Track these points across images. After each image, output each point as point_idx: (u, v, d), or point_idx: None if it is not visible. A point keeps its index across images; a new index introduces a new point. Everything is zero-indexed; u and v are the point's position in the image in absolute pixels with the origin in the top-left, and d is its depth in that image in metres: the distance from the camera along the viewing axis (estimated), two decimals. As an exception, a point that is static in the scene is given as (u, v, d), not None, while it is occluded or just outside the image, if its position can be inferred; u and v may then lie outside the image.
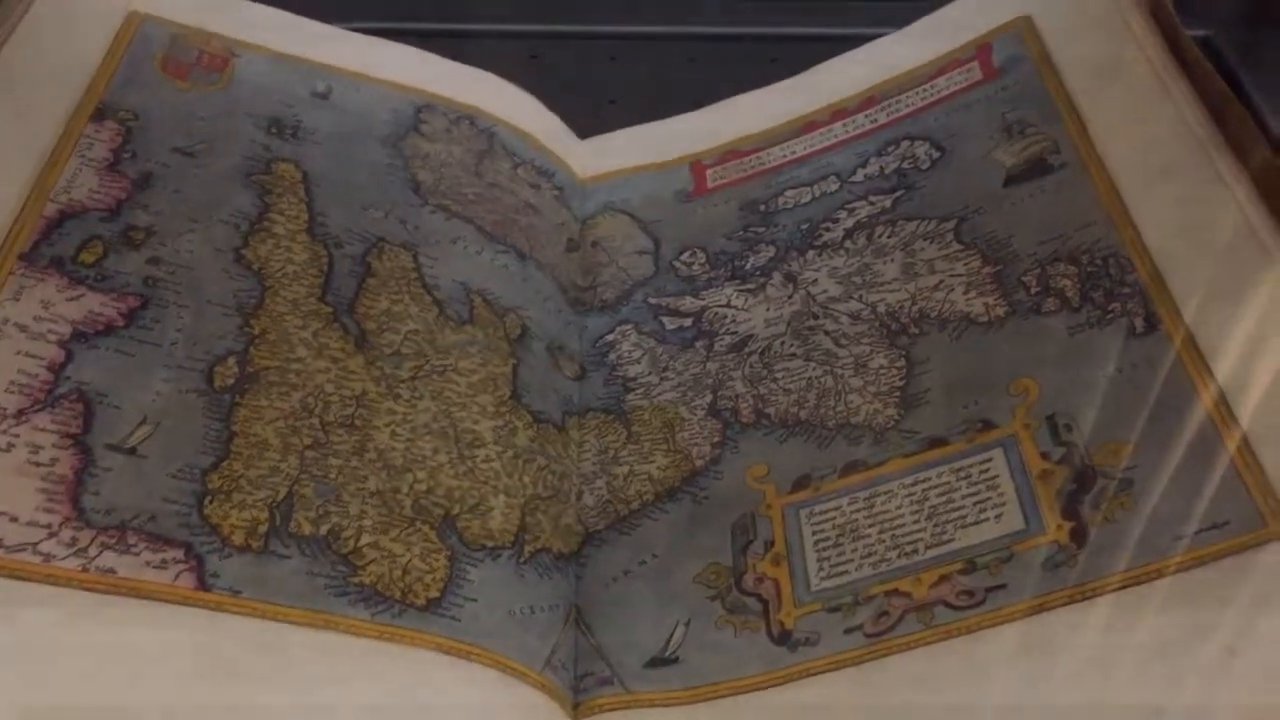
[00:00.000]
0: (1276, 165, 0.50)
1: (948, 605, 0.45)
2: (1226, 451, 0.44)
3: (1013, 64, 0.62)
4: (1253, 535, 0.42)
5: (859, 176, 0.62)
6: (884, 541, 0.48)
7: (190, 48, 0.62)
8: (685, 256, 0.63)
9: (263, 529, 0.46)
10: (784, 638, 0.47)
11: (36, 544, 0.43)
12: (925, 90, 0.63)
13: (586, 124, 0.71)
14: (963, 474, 0.48)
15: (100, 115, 0.56)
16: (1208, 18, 0.70)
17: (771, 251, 0.61)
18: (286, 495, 0.47)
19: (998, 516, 0.46)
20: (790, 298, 0.58)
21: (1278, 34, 0.73)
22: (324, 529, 0.47)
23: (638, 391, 0.57)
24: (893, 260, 0.57)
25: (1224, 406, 0.45)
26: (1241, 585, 0.41)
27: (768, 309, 0.58)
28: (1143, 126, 0.55)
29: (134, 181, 0.55)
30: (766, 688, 0.45)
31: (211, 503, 0.46)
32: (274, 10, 0.66)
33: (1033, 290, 0.52)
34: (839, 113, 0.66)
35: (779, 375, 0.55)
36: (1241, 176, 0.51)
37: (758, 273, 0.60)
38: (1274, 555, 0.41)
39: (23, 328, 0.48)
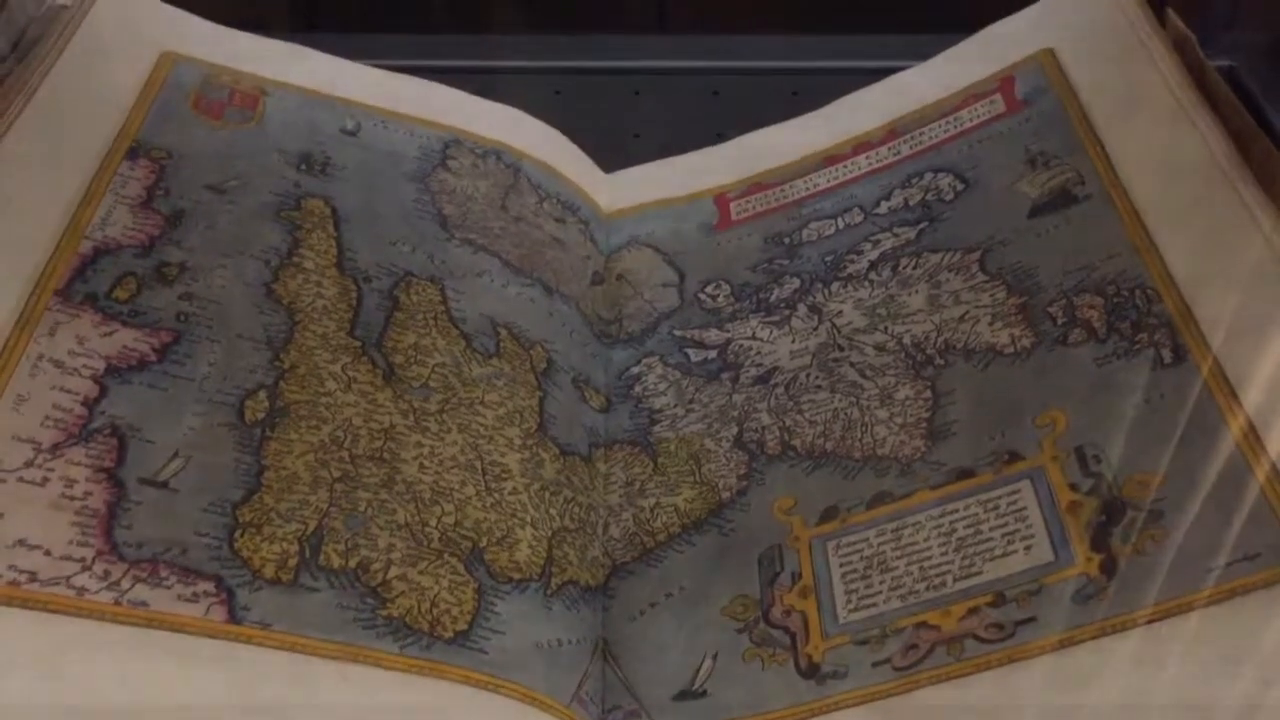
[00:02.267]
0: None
1: (977, 638, 0.44)
2: (1257, 482, 0.44)
3: (1036, 96, 0.62)
4: (1284, 568, 0.42)
5: (883, 209, 0.62)
6: (912, 574, 0.47)
7: (222, 87, 0.63)
8: (710, 289, 0.63)
9: (293, 562, 0.46)
10: (812, 671, 0.46)
11: (70, 578, 0.43)
12: (948, 123, 0.64)
13: (610, 158, 0.72)
14: (990, 505, 0.48)
15: (134, 154, 0.57)
16: (1231, 49, 0.70)
17: (796, 283, 0.61)
18: (316, 528, 0.48)
19: (1027, 548, 0.46)
20: (815, 329, 0.58)
21: (1301, 64, 0.73)
22: (353, 561, 0.47)
23: (663, 424, 0.58)
24: (918, 292, 0.57)
25: (1253, 436, 0.45)
26: (1274, 617, 0.41)
27: (793, 341, 0.59)
28: (1167, 158, 0.55)
29: (167, 218, 0.55)
30: (795, 721, 0.45)
31: (242, 536, 0.46)
32: (304, 49, 0.67)
33: (1059, 321, 0.52)
34: (862, 145, 0.66)
35: (805, 407, 0.55)
36: (1267, 207, 0.51)
37: (783, 305, 0.60)
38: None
39: (58, 363, 0.49)
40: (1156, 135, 0.57)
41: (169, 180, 0.57)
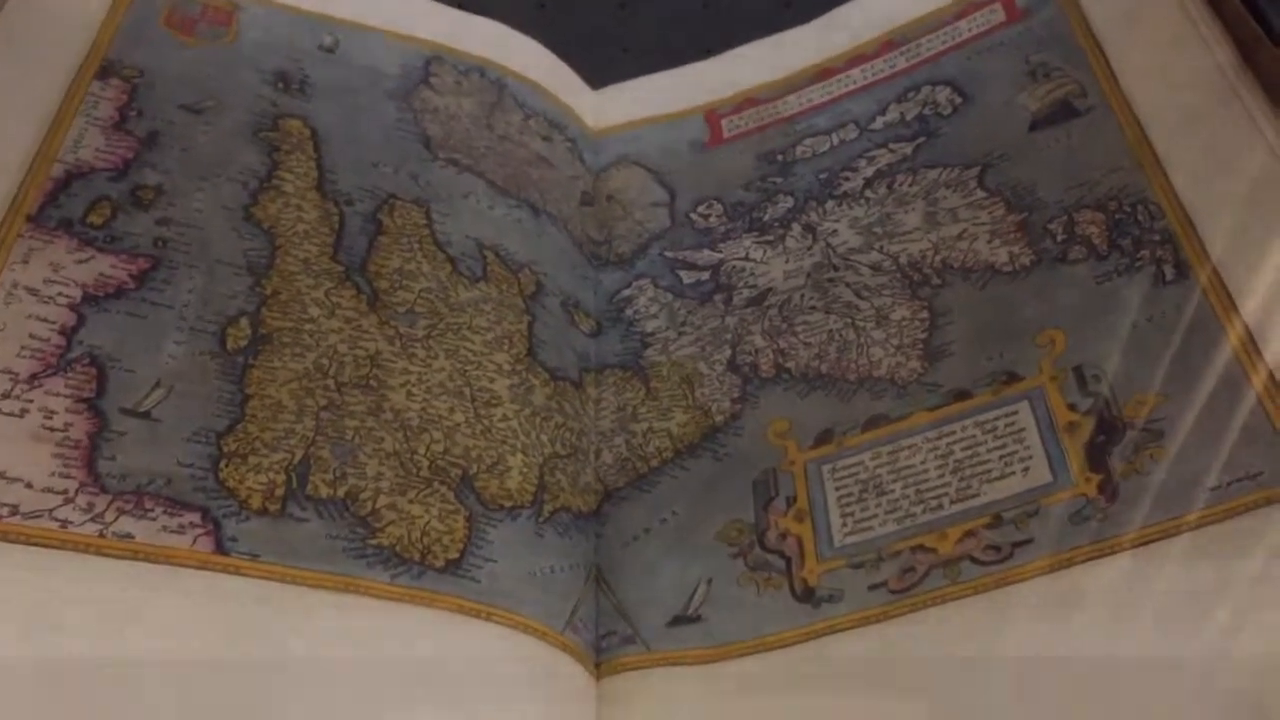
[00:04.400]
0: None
1: (974, 560, 0.44)
2: (1258, 400, 0.43)
3: (1037, 5, 0.60)
4: (1285, 487, 0.41)
5: (879, 124, 0.61)
6: (908, 497, 0.47)
7: (194, 2, 0.60)
8: (702, 208, 0.62)
9: (280, 491, 0.46)
10: (807, 595, 0.46)
11: (53, 510, 0.43)
12: (946, 33, 0.62)
13: (598, 74, 0.70)
14: (988, 427, 0.47)
15: (105, 73, 0.55)
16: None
17: (790, 202, 0.60)
18: (303, 457, 0.47)
19: (1024, 470, 0.45)
20: (810, 249, 0.57)
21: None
22: (341, 491, 0.46)
23: (655, 347, 0.57)
24: (914, 209, 0.56)
25: (1254, 352, 0.44)
26: (1272, 534, 0.41)
27: (787, 261, 0.57)
28: (1172, 68, 0.54)
29: (141, 140, 0.54)
30: (790, 645, 0.45)
31: (227, 466, 0.46)
32: (278, -38, 0.65)
33: (1059, 238, 0.51)
34: (857, 58, 0.64)
35: (799, 329, 0.55)
36: (1272, 117, 0.50)
37: (776, 224, 0.59)
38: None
39: (33, 291, 0.47)
40: (1160, 45, 0.55)
41: (141, 100, 0.55)
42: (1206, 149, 0.51)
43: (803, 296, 0.56)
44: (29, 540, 0.42)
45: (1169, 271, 0.48)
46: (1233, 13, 0.54)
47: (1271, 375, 0.43)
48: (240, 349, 0.49)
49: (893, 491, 0.47)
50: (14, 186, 0.50)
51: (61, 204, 0.50)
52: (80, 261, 0.49)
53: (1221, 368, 0.44)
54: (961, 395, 0.49)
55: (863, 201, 0.58)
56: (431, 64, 0.64)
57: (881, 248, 0.55)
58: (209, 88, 0.57)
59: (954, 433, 0.48)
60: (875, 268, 0.55)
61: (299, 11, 0.63)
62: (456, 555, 0.46)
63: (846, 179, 0.59)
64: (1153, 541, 0.42)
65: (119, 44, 0.57)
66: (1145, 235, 0.49)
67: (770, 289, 0.57)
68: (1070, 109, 0.55)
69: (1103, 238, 0.50)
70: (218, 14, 0.60)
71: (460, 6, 0.68)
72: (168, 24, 0.59)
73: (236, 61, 0.59)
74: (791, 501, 0.49)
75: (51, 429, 0.44)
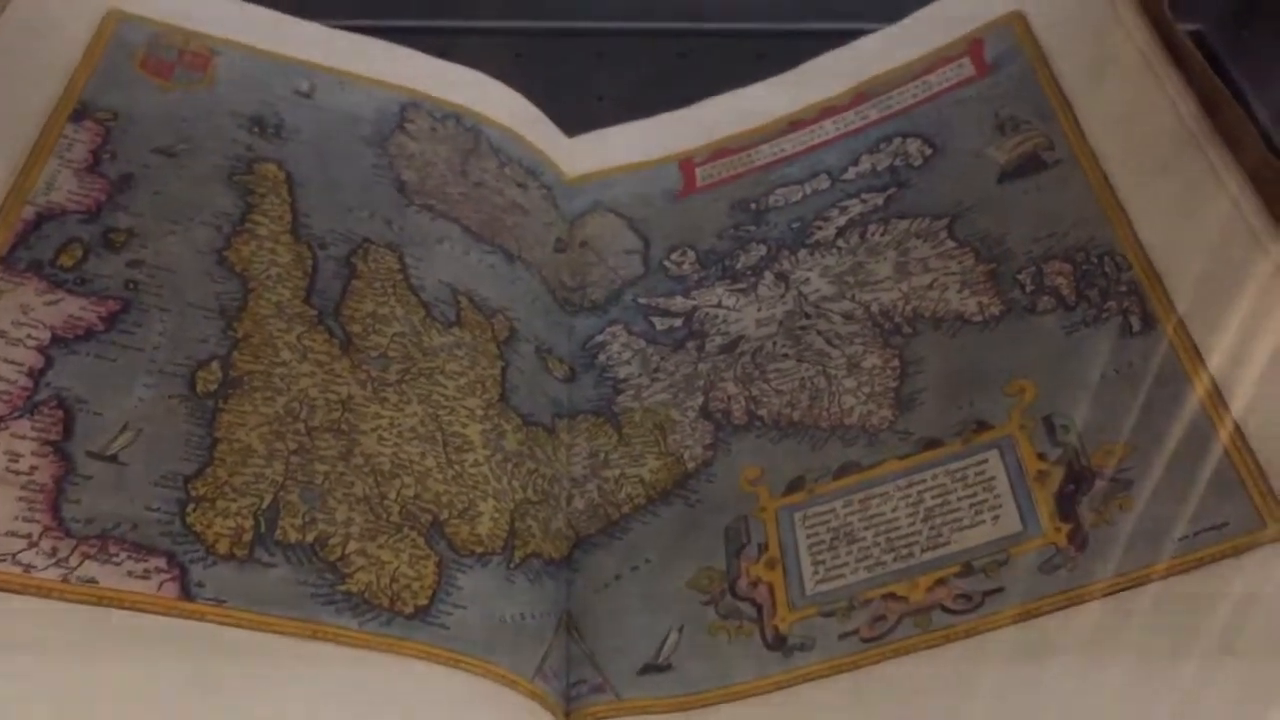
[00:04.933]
0: (1267, 157, 0.49)
1: (945, 609, 0.44)
2: (1223, 451, 0.44)
3: (1005, 60, 0.61)
4: (1249, 536, 0.41)
5: (850, 174, 0.61)
6: (879, 544, 0.47)
7: (170, 46, 0.60)
8: (675, 255, 0.62)
9: (248, 537, 0.45)
10: (778, 643, 0.46)
11: (16, 554, 0.42)
12: (917, 86, 0.63)
13: (573, 122, 0.70)
14: (958, 476, 0.48)
15: (79, 115, 0.55)
16: (1197, 12, 0.70)
17: (763, 250, 0.60)
18: (272, 502, 0.46)
19: (994, 518, 0.46)
20: (782, 297, 0.58)
21: (1267, 28, 0.72)
22: (310, 536, 0.46)
23: (628, 393, 0.57)
24: (886, 259, 0.56)
25: (1220, 405, 0.45)
26: (1238, 586, 0.41)
27: (759, 309, 0.58)
28: (1136, 122, 0.55)
29: (114, 183, 0.54)
30: (762, 694, 0.45)
31: (195, 510, 0.45)
32: (255, 7, 0.65)
33: (1028, 289, 0.52)
34: (829, 109, 0.65)
35: (771, 376, 0.55)
36: (1234, 169, 0.51)
37: (749, 272, 0.60)
38: (1271, 555, 0.41)
39: (1, 333, 0.47)
40: (1126, 99, 0.56)
41: (116, 143, 0.55)
42: (1171, 201, 0.52)
43: (775, 344, 0.56)
44: (-9, 585, 0.41)
45: (1135, 323, 0.48)
46: (1196, 68, 0.55)
47: (1237, 426, 0.44)
48: (210, 392, 0.49)
49: (864, 539, 0.47)
50: (-15, 227, 0.50)
51: (32, 245, 0.50)
52: (50, 303, 0.49)
53: (1188, 419, 0.45)
54: (932, 444, 0.49)
55: (835, 250, 0.58)
56: (407, 110, 0.64)
57: (853, 296, 0.56)
58: (184, 131, 0.57)
59: (924, 481, 0.48)
60: (847, 316, 0.55)
61: (276, 56, 0.63)
62: (426, 602, 0.46)
63: (819, 228, 0.60)
64: (1122, 591, 0.42)
65: (94, 86, 0.57)
66: (1112, 286, 0.50)
67: (743, 336, 0.57)
68: (1038, 161, 0.56)
69: (1071, 288, 0.51)
70: (194, 58, 0.61)
71: (437, 54, 0.69)
72: (144, 68, 0.59)
73: (212, 105, 0.59)
74: (763, 549, 0.49)
75: (17, 472, 0.44)
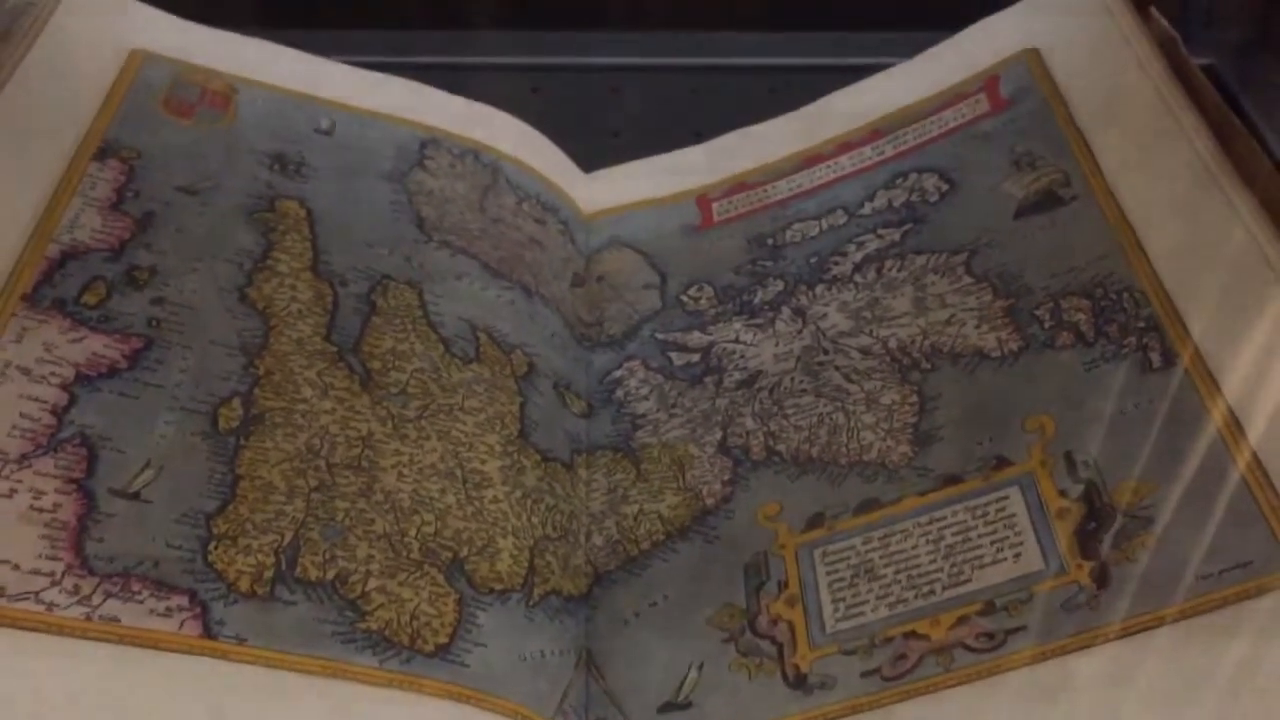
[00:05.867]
0: (1281, 187, 0.50)
1: (967, 648, 0.44)
2: (1246, 488, 0.43)
3: (1021, 96, 0.61)
4: (1274, 576, 0.41)
5: (867, 210, 0.62)
6: (900, 582, 0.47)
7: (192, 85, 0.61)
8: (692, 291, 0.62)
9: (269, 574, 0.45)
10: (799, 681, 0.46)
11: (39, 593, 0.42)
12: (933, 122, 0.63)
13: (589, 158, 0.71)
14: (979, 512, 0.47)
15: (103, 154, 0.56)
16: (1210, 47, 0.70)
17: (780, 285, 0.60)
18: (293, 539, 0.47)
19: (1016, 556, 0.46)
20: (800, 333, 0.58)
21: (1278, 61, 0.73)
22: (331, 573, 0.46)
23: (646, 429, 0.57)
24: (903, 294, 0.57)
25: (1243, 442, 0.44)
26: (1262, 624, 0.41)
27: (777, 344, 0.58)
28: (1152, 157, 0.55)
29: (137, 221, 0.54)
30: (782, 733, 0.45)
31: (217, 548, 0.45)
32: (276, 46, 0.66)
33: (1046, 324, 0.52)
34: (845, 145, 0.65)
35: (790, 412, 0.55)
36: (1251, 205, 0.51)
37: (766, 307, 0.60)
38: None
39: (25, 370, 0.47)
40: (1142, 135, 0.56)
41: (139, 182, 0.56)
42: (1188, 235, 0.52)
43: (793, 379, 0.56)
44: (14, 623, 0.41)
45: (1155, 359, 0.48)
46: (1211, 104, 0.55)
47: (1257, 457, 0.44)
48: (232, 429, 0.49)
49: (884, 576, 0.47)
50: (9, 266, 0.50)
51: (56, 284, 0.51)
52: (73, 341, 0.49)
53: (1207, 454, 0.45)
54: (952, 480, 0.49)
55: (852, 286, 0.58)
56: (427, 147, 0.65)
57: (871, 332, 0.56)
58: (206, 169, 0.58)
59: (945, 518, 0.48)
60: (865, 351, 0.55)
61: (297, 95, 0.64)
62: (446, 639, 0.46)
63: (836, 263, 0.60)
64: (1145, 630, 0.42)
65: (117, 125, 0.58)
66: (1131, 322, 0.50)
67: (760, 371, 0.57)
68: (1055, 197, 0.56)
69: (1089, 324, 0.51)
70: (216, 97, 0.61)
71: (455, 91, 0.69)
72: (166, 107, 0.60)
73: (234, 143, 0.59)
74: (783, 586, 0.49)
75: (40, 510, 0.44)
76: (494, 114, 0.69)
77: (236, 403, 0.50)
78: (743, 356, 0.58)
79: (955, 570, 0.46)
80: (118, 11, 0.63)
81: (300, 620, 0.44)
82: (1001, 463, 0.48)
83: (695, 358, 0.59)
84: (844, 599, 0.47)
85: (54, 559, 0.43)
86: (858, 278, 0.59)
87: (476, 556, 0.49)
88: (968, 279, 0.55)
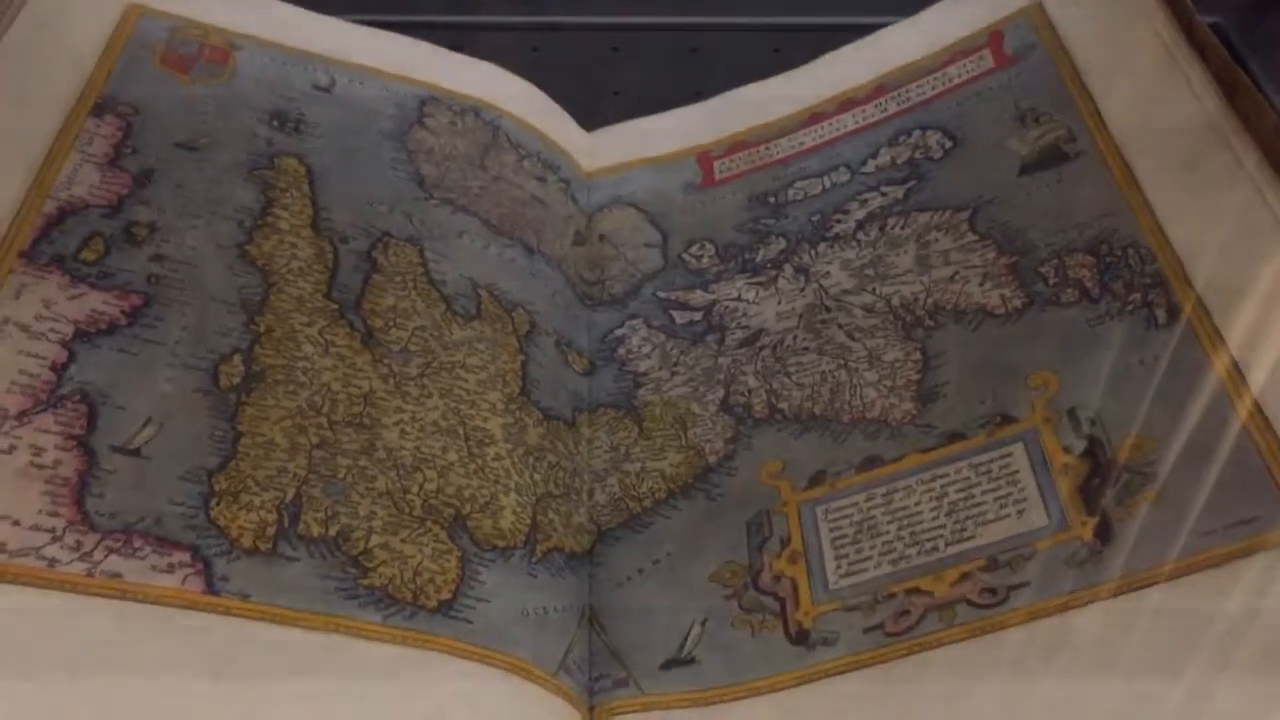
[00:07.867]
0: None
1: (970, 604, 0.44)
2: (1248, 435, 0.43)
3: (1025, 51, 0.61)
4: (1275, 533, 0.41)
5: (870, 167, 0.61)
6: (903, 539, 0.47)
7: (191, 41, 0.60)
8: (694, 249, 0.62)
9: (271, 530, 0.45)
10: (802, 637, 0.46)
11: (40, 548, 0.42)
12: (936, 79, 0.63)
13: (590, 116, 0.70)
14: (982, 469, 0.47)
15: (100, 110, 0.55)
16: (1216, 4, 0.70)
17: (782, 244, 0.60)
18: (295, 496, 0.46)
19: (1019, 512, 0.45)
20: (802, 290, 0.57)
21: (1282, 19, 0.72)
22: (333, 530, 0.46)
23: (648, 387, 0.57)
24: (906, 252, 0.56)
25: (1244, 390, 0.44)
26: (1265, 578, 0.41)
27: (779, 302, 0.58)
28: (1158, 112, 0.55)
29: (135, 177, 0.54)
30: (784, 689, 0.45)
31: (218, 504, 0.45)
32: (275, 2, 0.65)
33: (1051, 281, 0.52)
34: (848, 103, 0.65)
35: (792, 370, 0.55)
36: (1257, 160, 0.51)
37: (768, 265, 0.59)
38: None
39: (24, 327, 0.47)
40: (1148, 90, 0.56)
41: (137, 138, 0.55)
42: (1195, 192, 0.51)
43: (795, 338, 0.56)
44: (16, 579, 0.41)
45: (1160, 315, 0.48)
46: (1217, 60, 0.54)
47: (1258, 405, 0.43)
48: (233, 386, 0.49)
49: (887, 533, 0.47)
50: (7, 222, 0.50)
51: (54, 240, 0.50)
52: (72, 298, 0.49)
53: (1210, 406, 0.45)
54: (955, 437, 0.49)
55: (854, 244, 0.58)
56: (427, 104, 0.64)
57: (874, 289, 0.56)
58: (205, 125, 0.57)
59: (948, 474, 0.48)
60: (868, 309, 0.55)
61: (296, 51, 0.63)
62: (449, 596, 0.46)
63: (838, 221, 0.59)
64: (1148, 585, 0.42)
65: (115, 80, 0.57)
66: (1136, 278, 0.50)
67: (763, 330, 0.57)
68: (1060, 154, 0.56)
69: (1094, 281, 0.50)
70: (215, 53, 0.61)
71: (456, 48, 0.68)
72: (164, 62, 0.59)
73: (233, 100, 0.59)
74: (785, 543, 0.49)
75: (40, 466, 0.44)
76: (495, 71, 0.68)
77: (237, 359, 0.49)
78: (745, 315, 0.58)
79: (958, 527, 0.46)
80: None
81: (303, 576, 0.44)
82: (1005, 419, 0.48)
83: (697, 316, 0.59)
84: (846, 556, 0.47)
85: (55, 515, 0.43)
86: (860, 235, 0.58)
87: (479, 514, 0.49)
88: (971, 236, 0.55)
